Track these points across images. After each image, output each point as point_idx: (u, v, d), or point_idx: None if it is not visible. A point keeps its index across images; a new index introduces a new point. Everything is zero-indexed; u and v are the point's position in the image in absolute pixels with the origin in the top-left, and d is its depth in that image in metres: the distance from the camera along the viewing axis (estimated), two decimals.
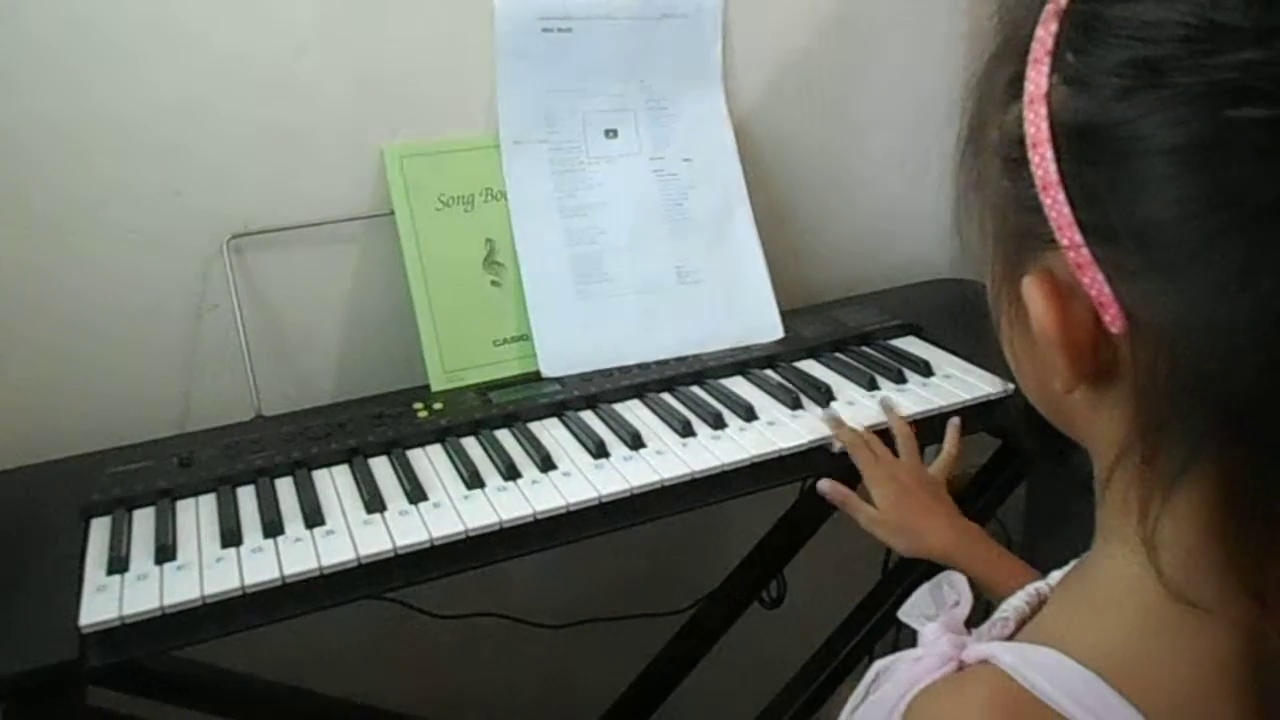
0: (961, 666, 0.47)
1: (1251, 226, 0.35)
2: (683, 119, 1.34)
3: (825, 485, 1.05)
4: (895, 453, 1.06)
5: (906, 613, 0.61)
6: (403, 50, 1.22)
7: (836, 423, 1.08)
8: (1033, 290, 0.42)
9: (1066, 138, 0.39)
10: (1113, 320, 0.40)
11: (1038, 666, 0.42)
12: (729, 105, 1.36)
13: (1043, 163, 0.40)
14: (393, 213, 1.21)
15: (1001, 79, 0.43)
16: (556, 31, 1.27)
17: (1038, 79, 0.40)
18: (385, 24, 1.20)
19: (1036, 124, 0.40)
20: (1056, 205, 0.40)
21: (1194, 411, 0.39)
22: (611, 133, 1.31)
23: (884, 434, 1.09)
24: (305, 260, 1.24)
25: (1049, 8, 0.40)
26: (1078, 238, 0.39)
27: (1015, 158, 0.41)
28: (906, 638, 0.57)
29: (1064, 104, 0.39)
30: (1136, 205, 0.37)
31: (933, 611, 0.58)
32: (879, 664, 0.53)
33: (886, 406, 1.11)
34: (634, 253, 1.28)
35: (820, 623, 1.38)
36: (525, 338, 1.23)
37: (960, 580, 0.61)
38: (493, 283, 1.24)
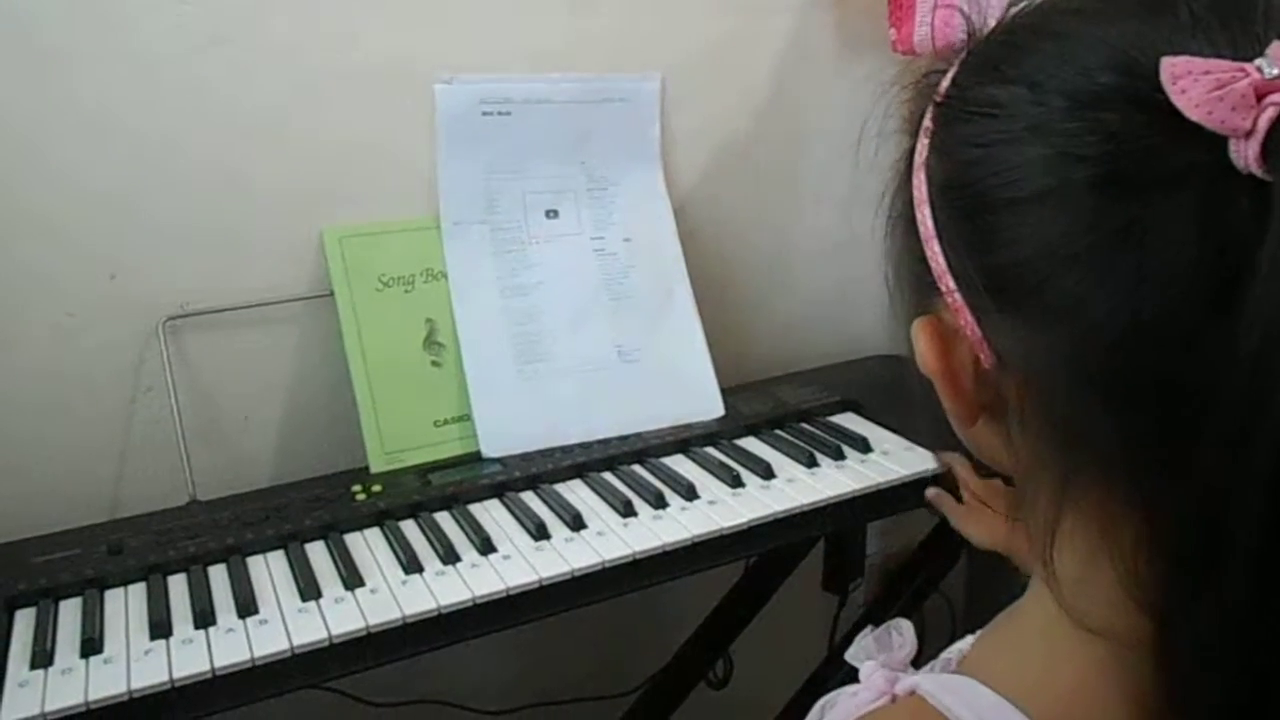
0: (895, 699, 0.51)
1: (1077, 266, 0.40)
2: (623, 199, 1.36)
3: (932, 492, 1.08)
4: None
5: (852, 654, 0.64)
6: (343, 134, 1.22)
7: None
8: (918, 333, 0.48)
9: (940, 197, 0.46)
10: (985, 358, 0.45)
11: (953, 692, 0.46)
12: (668, 185, 1.39)
13: (924, 219, 0.46)
14: (332, 293, 1.21)
15: (905, 156, 0.50)
16: (497, 115, 1.29)
17: (922, 151, 0.47)
18: (326, 109, 1.21)
19: (920, 188, 0.47)
20: (935, 256, 0.46)
21: (1054, 440, 0.44)
22: (552, 213, 1.32)
23: None
24: (243, 342, 1.23)
25: (934, 97, 0.48)
26: (951, 283, 0.45)
27: (910, 218, 0.48)
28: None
29: (936, 169, 0.46)
30: (991, 252, 0.43)
31: (875, 652, 0.62)
32: (823, 699, 0.58)
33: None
34: (574, 332, 1.28)
35: (768, 702, 1.38)
36: (466, 418, 1.22)
37: (907, 627, 0.64)
38: (433, 363, 1.23)
